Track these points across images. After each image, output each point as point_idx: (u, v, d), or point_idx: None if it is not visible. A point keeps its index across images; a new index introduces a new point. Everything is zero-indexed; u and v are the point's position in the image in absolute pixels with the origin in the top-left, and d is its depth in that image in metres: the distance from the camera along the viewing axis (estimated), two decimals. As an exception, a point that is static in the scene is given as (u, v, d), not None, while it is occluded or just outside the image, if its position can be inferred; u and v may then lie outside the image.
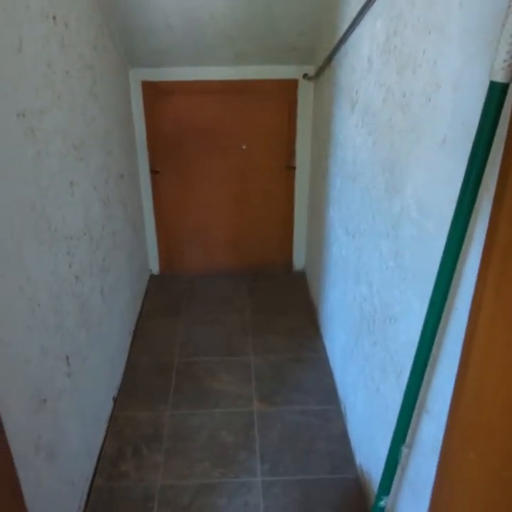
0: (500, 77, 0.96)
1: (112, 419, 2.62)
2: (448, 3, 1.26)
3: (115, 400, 2.74)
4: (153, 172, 3.85)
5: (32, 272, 1.63)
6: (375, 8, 1.92)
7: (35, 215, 1.67)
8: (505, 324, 0.93)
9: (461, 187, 1.12)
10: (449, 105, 1.27)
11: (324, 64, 2.97)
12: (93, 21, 2.51)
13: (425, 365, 1.38)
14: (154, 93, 3.60)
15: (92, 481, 2.25)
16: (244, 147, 3.78)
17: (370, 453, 2.12)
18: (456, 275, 1.22)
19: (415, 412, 1.48)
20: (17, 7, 1.58)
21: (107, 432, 2.53)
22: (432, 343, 1.33)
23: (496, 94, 0.98)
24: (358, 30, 2.19)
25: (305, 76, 3.53)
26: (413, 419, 1.50)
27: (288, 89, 3.62)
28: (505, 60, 0.93)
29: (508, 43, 0.91)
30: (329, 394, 2.78)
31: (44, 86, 1.80)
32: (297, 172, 3.90)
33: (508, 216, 0.93)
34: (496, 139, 1.02)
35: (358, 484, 2.23)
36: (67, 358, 1.96)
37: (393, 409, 1.75)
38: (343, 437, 2.48)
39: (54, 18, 1.93)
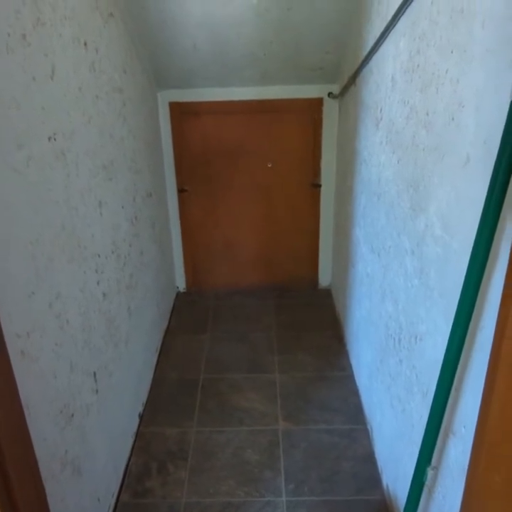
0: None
1: (138, 435, 2.64)
2: (470, 24, 1.26)
3: (141, 416, 2.76)
4: (181, 191, 3.92)
5: (61, 289, 1.68)
6: (398, 27, 1.94)
7: (65, 234, 1.72)
8: (530, 345, 0.91)
9: (484, 205, 1.11)
10: (472, 124, 1.27)
11: (349, 82, 2.99)
12: (122, 45, 2.59)
13: (450, 386, 1.35)
14: (181, 113, 3.67)
15: (118, 497, 2.26)
16: (269, 165, 3.82)
17: (397, 474, 2.08)
18: (480, 294, 1.20)
19: (441, 433, 1.46)
20: (51, 36, 1.65)
21: (132, 448, 2.54)
22: (457, 363, 1.31)
23: (517, 113, 0.98)
24: (382, 49, 2.21)
25: (330, 94, 3.56)
26: (439, 441, 1.48)
27: (313, 107, 3.65)
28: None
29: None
30: (355, 413, 2.75)
31: (75, 110, 1.86)
32: (322, 190, 3.92)
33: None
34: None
35: (384, 505, 2.19)
36: (95, 374, 1.99)
37: (420, 429, 1.73)
38: (370, 457, 2.44)
39: (85, 44, 2.00)
